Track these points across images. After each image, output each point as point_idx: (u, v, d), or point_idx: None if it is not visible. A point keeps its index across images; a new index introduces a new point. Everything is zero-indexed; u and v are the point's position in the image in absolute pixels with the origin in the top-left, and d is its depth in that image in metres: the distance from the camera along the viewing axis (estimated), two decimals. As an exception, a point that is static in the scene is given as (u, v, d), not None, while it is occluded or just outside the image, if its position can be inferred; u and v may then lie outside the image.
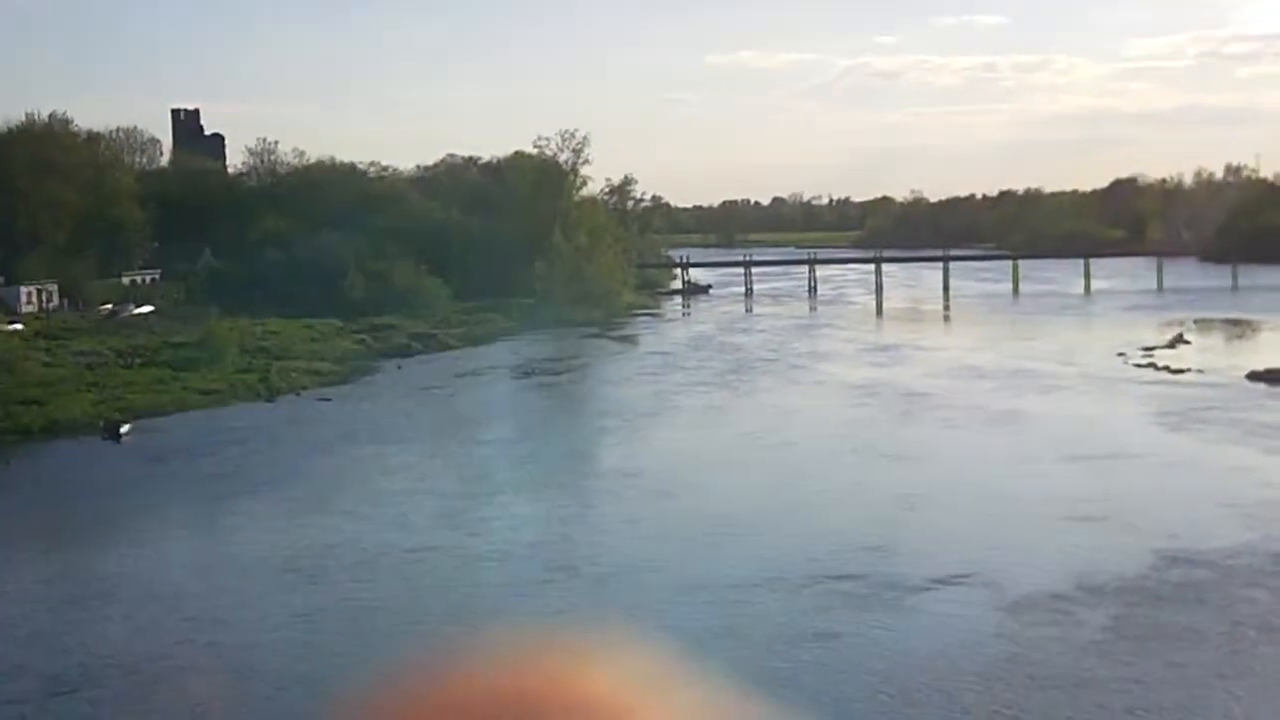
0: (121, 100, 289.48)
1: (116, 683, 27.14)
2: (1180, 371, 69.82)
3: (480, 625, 28.82)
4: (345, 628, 30.55)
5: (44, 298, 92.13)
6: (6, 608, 33.44)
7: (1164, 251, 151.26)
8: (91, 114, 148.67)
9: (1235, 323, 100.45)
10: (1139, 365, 73.40)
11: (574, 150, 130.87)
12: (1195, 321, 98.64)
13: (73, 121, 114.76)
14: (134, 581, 35.31)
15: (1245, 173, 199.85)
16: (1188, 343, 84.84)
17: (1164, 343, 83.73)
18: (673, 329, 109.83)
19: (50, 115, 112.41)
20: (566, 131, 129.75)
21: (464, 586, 33.83)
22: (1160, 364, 73.04)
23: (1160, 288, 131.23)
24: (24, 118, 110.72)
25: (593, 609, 31.17)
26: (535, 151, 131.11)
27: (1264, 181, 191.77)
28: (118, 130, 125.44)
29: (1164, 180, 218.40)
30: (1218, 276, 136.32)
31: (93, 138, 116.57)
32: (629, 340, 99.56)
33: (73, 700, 26.40)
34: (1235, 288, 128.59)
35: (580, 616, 29.99)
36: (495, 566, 35.66)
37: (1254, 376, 65.85)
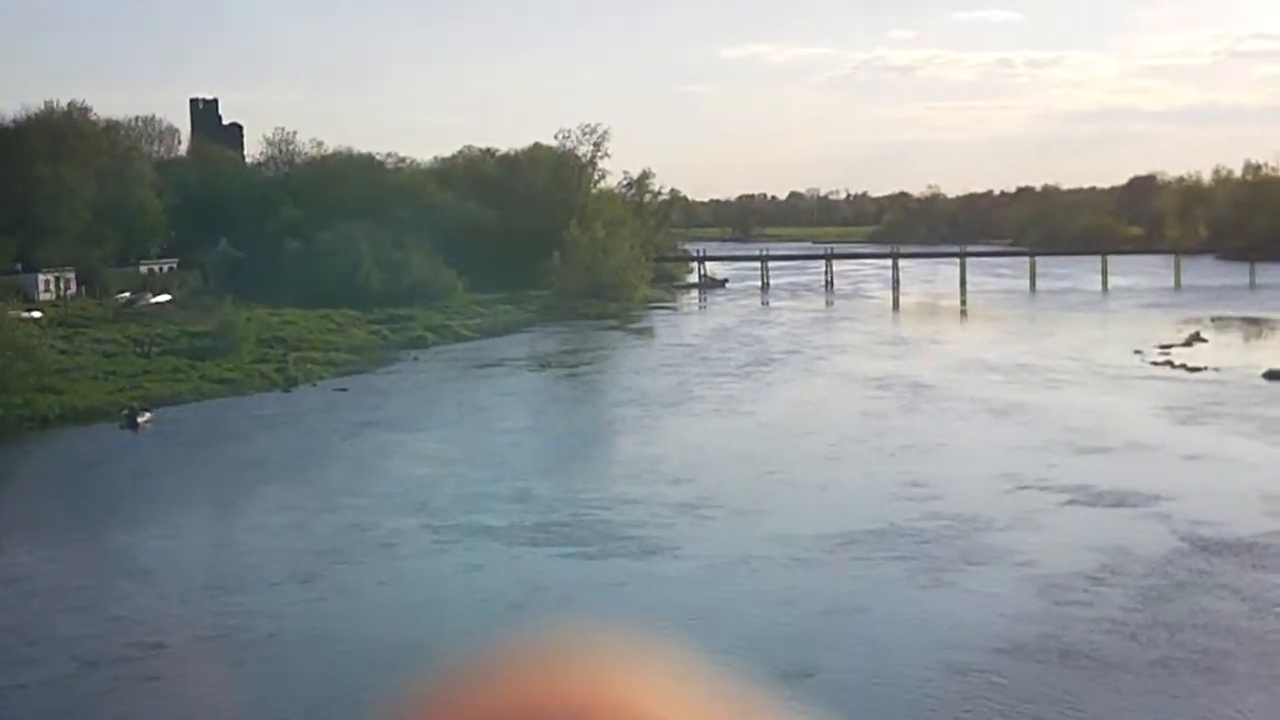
0: (140, 90, 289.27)
1: (145, 659, 27.46)
2: (1197, 370, 69.71)
3: (504, 606, 29.26)
4: (368, 607, 30.89)
5: (62, 286, 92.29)
6: (43, 585, 33.76)
7: (1182, 249, 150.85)
8: (110, 103, 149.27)
9: (1253, 321, 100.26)
10: (1156, 363, 73.30)
11: (594, 143, 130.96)
12: (1212, 319, 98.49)
13: (91, 110, 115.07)
14: (161, 564, 35.83)
15: (1264, 171, 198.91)
16: (1205, 341, 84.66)
17: (1181, 341, 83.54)
18: (689, 322, 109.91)
19: (69, 103, 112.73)
20: (587, 125, 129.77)
21: (491, 568, 34.17)
22: (1177, 362, 72.93)
23: (1178, 285, 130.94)
24: (43, 106, 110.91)
25: (624, 591, 31.64)
26: (555, 144, 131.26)
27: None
28: (136, 119, 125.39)
29: (1182, 178, 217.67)
30: (1236, 274, 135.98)
31: (111, 126, 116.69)
32: (646, 333, 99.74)
33: (104, 671, 26.74)
34: (1253, 286, 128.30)
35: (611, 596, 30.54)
36: (517, 551, 35.89)
37: (1271, 375, 65.74)
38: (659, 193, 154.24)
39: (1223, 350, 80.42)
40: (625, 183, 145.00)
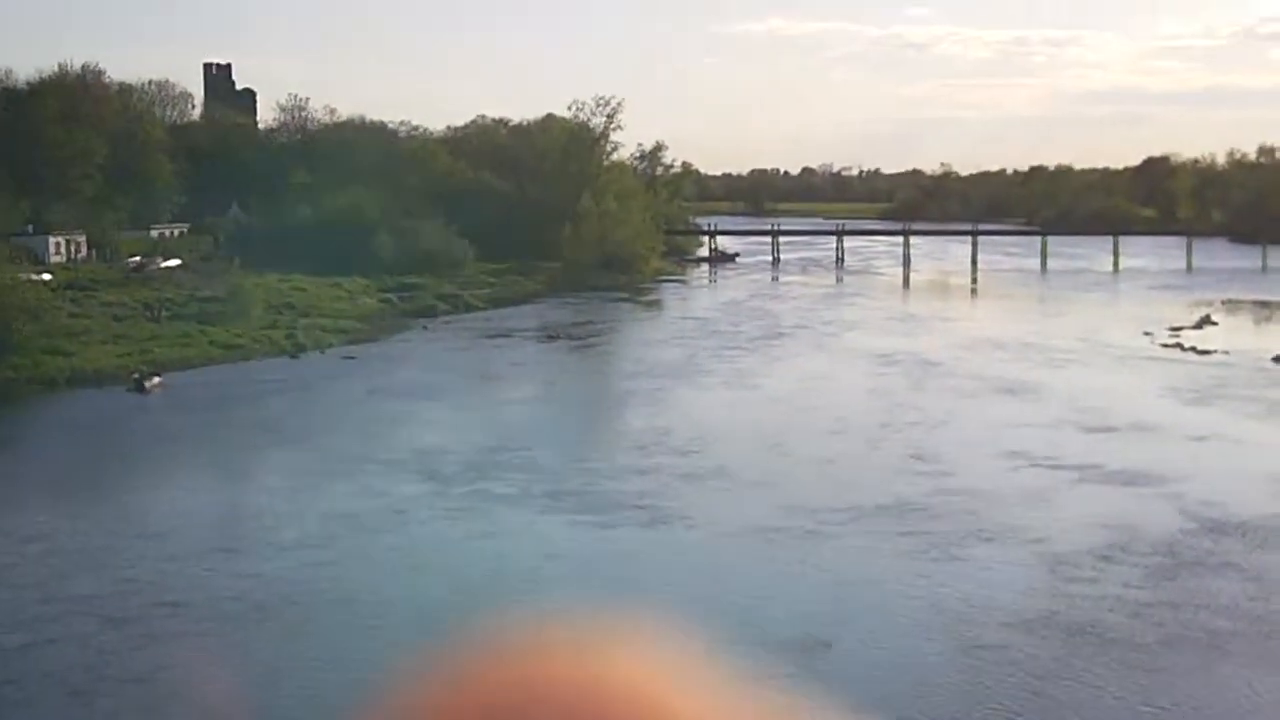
0: (154, 53, 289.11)
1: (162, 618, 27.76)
2: (1207, 352, 69.74)
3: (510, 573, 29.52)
4: (382, 572, 31.16)
5: (72, 249, 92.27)
6: (59, 545, 34.09)
7: (1194, 231, 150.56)
8: (124, 66, 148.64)
9: (1264, 304, 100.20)
10: (1166, 345, 73.34)
11: (607, 115, 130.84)
12: (1223, 302, 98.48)
13: (105, 73, 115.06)
14: (174, 526, 36.20)
15: (1278, 154, 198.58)
16: (1215, 324, 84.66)
17: (1191, 323, 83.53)
18: (700, 296, 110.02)
19: (83, 66, 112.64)
20: (601, 96, 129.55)
21: (503, 535, 34.44)
22: (1187, 344, 72.97)
23: (1189, 267, 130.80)
24: (56, 68, 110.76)
25: (635, 560, 31.93)
26: (569, 115, 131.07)
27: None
28: (149, 83, 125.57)
29: (1196, 160, 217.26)
30: (1247, 257, 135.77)
31: (124, 90, 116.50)
32: (656, 306, 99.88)
33: (125, 630, 27.05)
34: (1265, 269, 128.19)
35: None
36: (529, 519, 36.12)
37: (1280, 359, 65.81)
38: (671, 166, 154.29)
39: (1233, 333, 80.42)
40: (638, 155, 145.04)
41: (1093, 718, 22.86)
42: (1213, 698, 23.70)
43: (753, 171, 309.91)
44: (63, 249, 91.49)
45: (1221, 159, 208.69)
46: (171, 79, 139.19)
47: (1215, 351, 69.79)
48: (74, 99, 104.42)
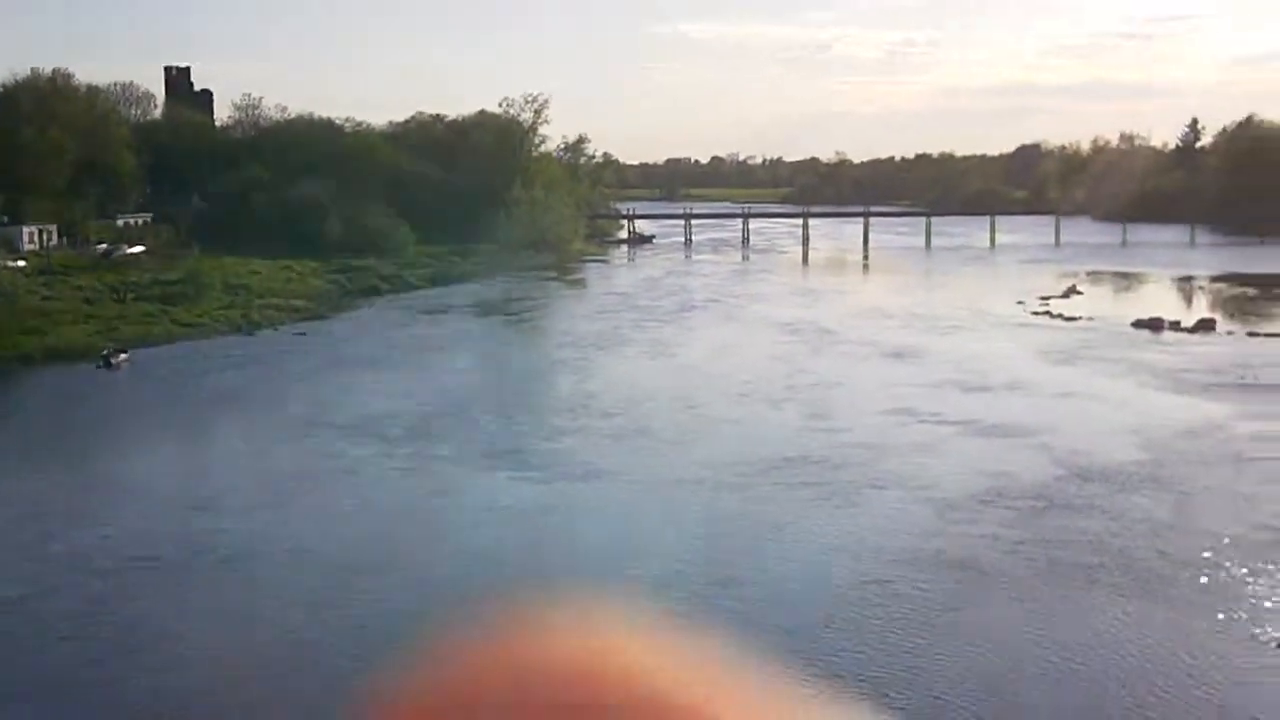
0: (118, 59, 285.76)
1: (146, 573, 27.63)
2: (1073, 318, 70.72)
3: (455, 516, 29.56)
4: (338, 526, 31.14)
5: (45, 237, 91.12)
6: (37, 508, 33.82)
7: (1062, 211, 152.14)
8: (91, 71, 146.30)
9: (1124, 275, 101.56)
10: (1037, 312, 74.27)
11: (535, 111, 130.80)
12: (1088, 274, 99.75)
13: (73, 76, 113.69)
14: (144, 488, 36.08)
15: (1137, 141, 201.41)
16: (1080, 293, 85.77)
17: (1059, 293, 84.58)
18: (620, 274, 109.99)
19: (53, 71, 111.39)
20: (529, 94, 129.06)
21: (446, 492, 34.46)
22: (1056, 312, 73.94)
23: (1058, 243, 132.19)
24: (29, 72, 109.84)
25: (567, 511, 32.05)
26: (500, 111, 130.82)
27: (1153, 150, 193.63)
28: (114, 85, 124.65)
29: (1064, 147, 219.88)
30: (1109, 234, 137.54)
31: (91, 91, 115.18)
32: (581, 283, 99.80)
33: (108, 580, 26.90)
34: (1124, 244, 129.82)
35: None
36: (470, 476, 36.13)
37: (1138, 324, 66.93)
38: (593, 156, 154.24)
39: (1096, 301, 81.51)
40: (563, 147, 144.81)
41: (976, 641, 23.21)
42: (1081, 622, 24.13)
43: (667, 161, 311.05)
44: (36, 238, 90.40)
45: (1086, 146, 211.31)
46: (135, 81, 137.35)
47: (1080, 318, 70.76)
48: (45, 101, 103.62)
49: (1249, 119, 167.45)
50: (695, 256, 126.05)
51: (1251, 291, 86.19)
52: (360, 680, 20.96)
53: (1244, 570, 26.84)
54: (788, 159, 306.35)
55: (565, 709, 0.64)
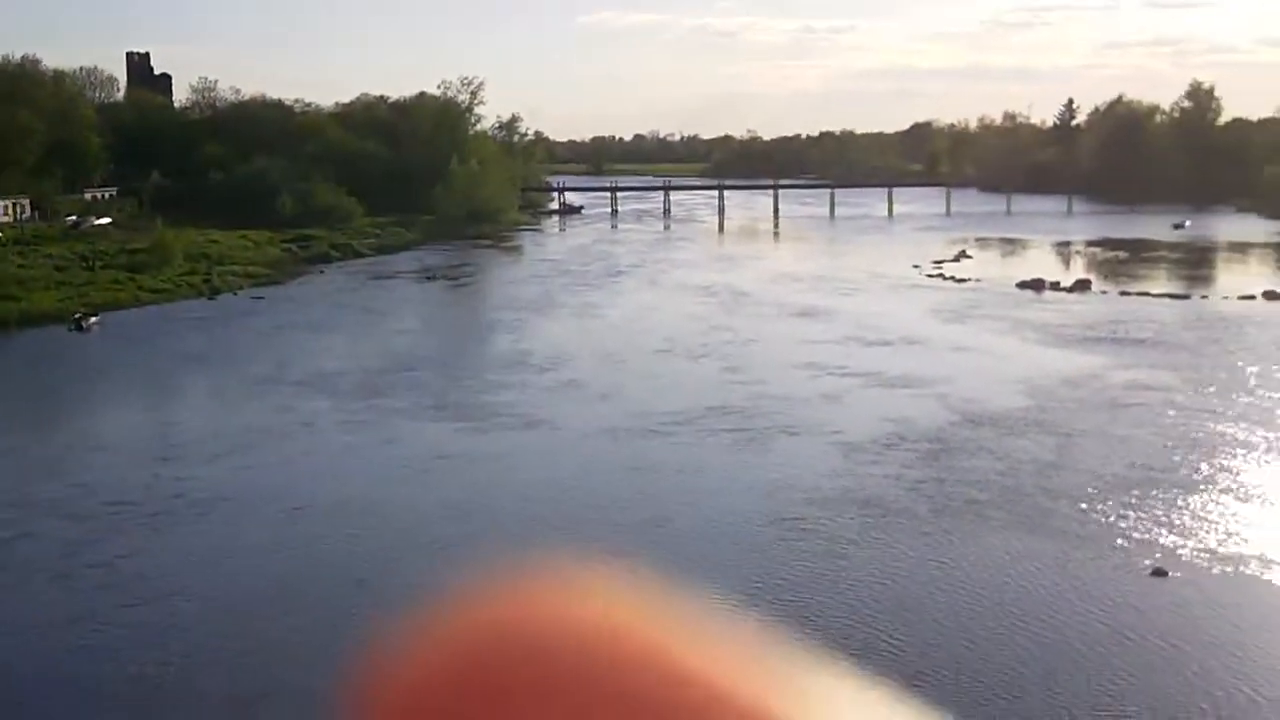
0: (83, 45, 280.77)
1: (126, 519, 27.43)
2: (963, 280, 71.47)
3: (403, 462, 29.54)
4: (299, 473, 31.11)
5: (17, 210, 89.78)
6: (16, 460, 33.54)
7: (951, 183, 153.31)
8: (57, 56, 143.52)
9: (1009, 241, 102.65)
10: (930, 275, 74.97)
11: (471, 93, 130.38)
12: (976, 240, 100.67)
13: (41, 62, 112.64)
14: (116, 441, 35.80)
15: (1019, 119, 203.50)
16: (970, 257, 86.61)
17: (951, 257, 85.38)
18: (552, 242, 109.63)
19: (22, 57, 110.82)
20: (465, 77, 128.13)
21: (399, 441, 34.45)
22: (948, 274, 74.68)
23: (949, 212, 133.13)
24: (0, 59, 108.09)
25: (510, 457, 32.12)
26: (439, 92, 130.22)
27: (1034, 127, 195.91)
28: (80, 69, 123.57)
29: (953, 124, 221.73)
30: (995, 204, 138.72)
31: (58, 76, 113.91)
32: (515, 251, 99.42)
33: (90, 523, 26.69)
34: (1009, 213, 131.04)
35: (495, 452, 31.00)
36: (419, 426, 36.10)
37: (1022, 285, 67.81)
38: (526, 134, 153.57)
39: (984, 265, 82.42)
40: (498, 126, 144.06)
41: (879, 570, 23.64)
42: (976, 554, 24.62)
43: (594, 138, 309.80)
44: (9, 211, 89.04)
45: (974, 124, 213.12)
46: (99, 66, 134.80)
47: (970, 279, 71.56)
48: (16, 85, 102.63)
49: (1119, 99, 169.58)
50: (621, 226, 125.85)
51: (1123, 255, 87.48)
52: (321, 608, 21.08)
53: (1119, 505, 27.48)
54: (704, 136, 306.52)
55: (516, 641, 0.55)
